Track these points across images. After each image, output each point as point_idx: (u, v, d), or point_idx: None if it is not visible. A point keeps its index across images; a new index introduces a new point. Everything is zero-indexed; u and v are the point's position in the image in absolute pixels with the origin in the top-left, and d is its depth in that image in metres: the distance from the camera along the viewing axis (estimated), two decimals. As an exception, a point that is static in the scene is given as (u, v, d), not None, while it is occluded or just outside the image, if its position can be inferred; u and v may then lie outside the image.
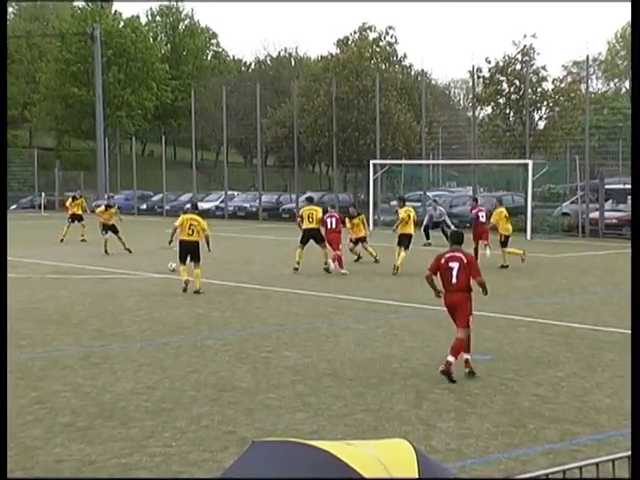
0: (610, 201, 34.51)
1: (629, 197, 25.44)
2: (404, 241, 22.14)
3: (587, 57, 41.20)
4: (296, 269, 21.43)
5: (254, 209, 47.24)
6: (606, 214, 33.46)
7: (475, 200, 26.99)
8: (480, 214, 24.45)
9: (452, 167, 52.35)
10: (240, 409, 9.08)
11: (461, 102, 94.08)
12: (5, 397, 8.45)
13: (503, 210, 23.83)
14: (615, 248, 27.70)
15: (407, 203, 24.43)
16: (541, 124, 39.07)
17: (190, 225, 18.20)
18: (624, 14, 66.56)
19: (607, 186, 34.90)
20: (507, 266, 22.64)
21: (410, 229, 22.44)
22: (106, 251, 26.52)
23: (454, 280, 10.59)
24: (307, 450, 2.99)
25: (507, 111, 38.69)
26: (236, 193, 51.91)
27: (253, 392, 9.78)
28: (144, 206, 53.03)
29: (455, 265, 10.62)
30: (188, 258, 18.23)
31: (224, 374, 10.66)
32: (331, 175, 57.23)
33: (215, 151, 78.06)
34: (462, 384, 10.10)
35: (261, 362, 11.32)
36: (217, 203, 50.40)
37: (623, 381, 9.82)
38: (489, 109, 40.54)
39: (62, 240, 30.19)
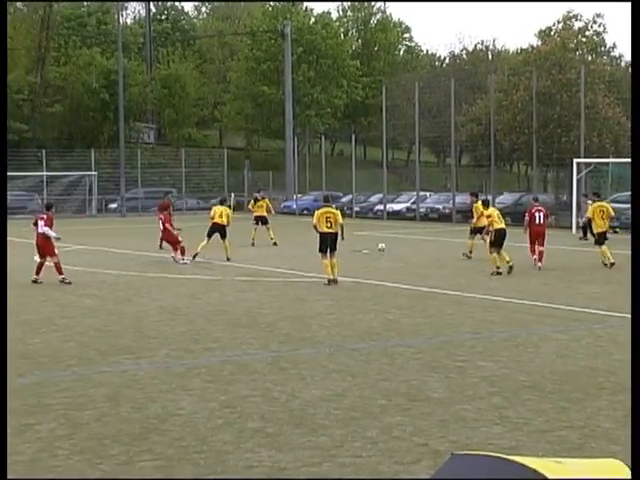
0: None
1: None
2: (599, 239, 23.73)
3: None
4: (499, 273, 21.71)
5: (447, 211, 47.00)
6: None
7: None
8: None
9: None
10: (433, 420, 9.04)
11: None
12: (5, 397, 8.77)
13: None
14: None
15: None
16: None
17: (327, 218, 20.15)
18: None
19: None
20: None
21: (600, 226, 23.78)
22: (253, 243, 30.91)
23: None
24: (511, 466, 2.92)
25: None
26: (428, 194, 51.80)
27: (446, 403, 9.72)
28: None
29: None
30: (328, 250, 20.04)
31: (415, 383, 10.65)
32: (530, 175, 56.12)
33: (406, 150, 78.27)
34: (677, 403, 9.65)
35: (455, 372, 11.23)
36: (408, 204, 50.47)
37: None
38: None
39: (253, 244, 31.13)
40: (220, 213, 25.92)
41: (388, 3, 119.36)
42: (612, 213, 24.58)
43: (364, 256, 27.34)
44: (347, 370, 11.35)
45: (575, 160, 38.24)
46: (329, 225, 20.14)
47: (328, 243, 20.12)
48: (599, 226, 23.93)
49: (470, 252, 25.79)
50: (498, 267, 21.80)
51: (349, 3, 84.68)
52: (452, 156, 51.03)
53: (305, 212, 54.74)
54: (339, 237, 20.35)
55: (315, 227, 20.32)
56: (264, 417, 9.19)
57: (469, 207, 47.05)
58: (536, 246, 23.29)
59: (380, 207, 51.01)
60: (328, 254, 20.15)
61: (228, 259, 25.17)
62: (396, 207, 50.46)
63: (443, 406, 9.58)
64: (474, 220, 26.15)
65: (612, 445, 8.19)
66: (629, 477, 3.05)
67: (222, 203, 27.00)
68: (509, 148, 48.10)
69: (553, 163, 46.84)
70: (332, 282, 19.96)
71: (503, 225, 22.45)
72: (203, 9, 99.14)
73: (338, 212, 20.82)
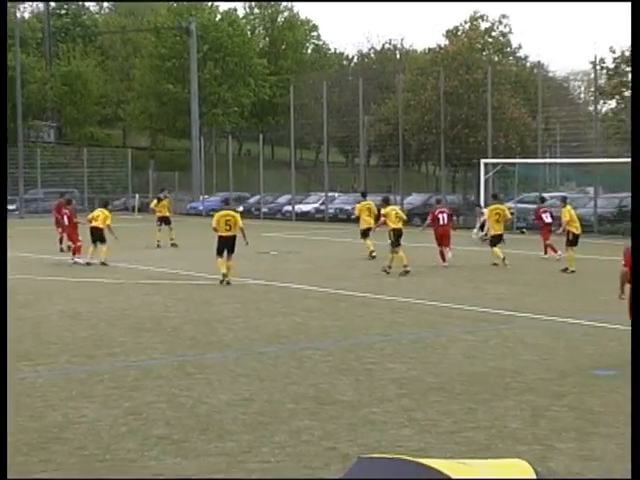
0: None
1: None
2: (493, 241, 24.65)
3: None
4: (407, 272, 22.13)
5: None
6: None
7: (542, 200, 29.31)
8: (544, 215, 26.78)
9: (571, 166, 51.42)
10: (342, 424, 9.09)
11: (582, 96, 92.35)
12: (5, 397, 8.66)
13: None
14: None
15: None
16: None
17: (226, 221, 20.54)
18: None
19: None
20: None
21: (496, 229, 24.67)
22: (158, 245, 30.78)
23: None
24: (417, 468, 2.96)
25: (633, 105, 37.79)
26: (337, 194, 52.04)
27: (355, 406, 9.78)
28: (240, 208, 53.49)
29: None
30: (225, 252, 20.51)
31: (324, 386, 10.69)
32: (438, 175, 56.90)
33: (315, 150, 78.53)
34: (583, 401, 9.91)
35: (364, 374, 11.31)
36: (317, 205, 50.63)
37: None
38: (613, 103, 39.79)
39: (158, 245, 30.86)
40: (96, 216, 25.56)
41: (295, 2, 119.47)
42: (508, 215, 25.85)
43: (272, 258, 27.35)
44: (255, 374, 11.34)
45: (482, 160, 38.91)
46: (228, 228, 20.51)
47: (226, 246, 20.50)
48: (494, 229, 24.78)
49: (372, 252, 26.13)
50: (406, 266, 22.09)
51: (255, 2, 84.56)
52: (361, 156, 51.41)
53: (212, 213, 54.50)
54: (241, 240, 20.59)
55: (215, 230, 20.65)
56: (169, 423, 9.12)
57: (379, 208, 47.67)
58: (443, 247, 24.15)
59: (288, 208, 51.07)
60: (225, 256, 20.54)
61: (103, 263, 24.68)
62: (305, 208, 50.57)
63: (352, 409, 9.64)
64: (354, 216, 27.74)
65: (518, 445, 8.36)
66: (534, 477, 3.11)
67: (105, 206, 26.59)
68: (417, 148, 48.67)
69: (461, 163, 47.60)
70: (225, 279, 20.32)
71: (400, 225, 22.91)
72: (105, 4, 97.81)
73: (238, 215, 21.19)
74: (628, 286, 11.52)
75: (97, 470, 7.73)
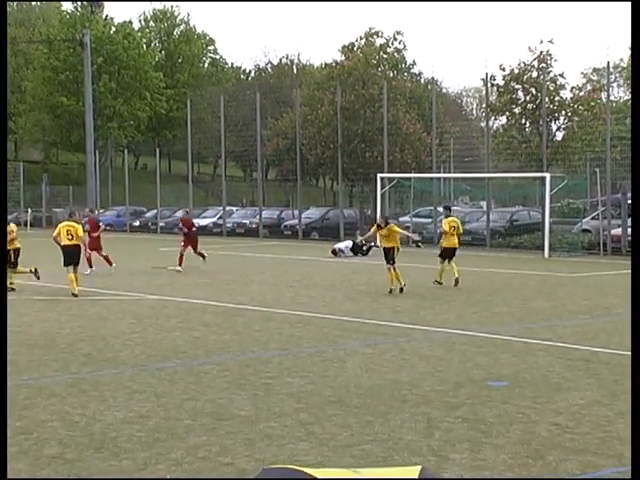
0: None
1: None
2: (448, 254, 22.95)
3: (608, 64, 41.28)
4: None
5: (254, 225, 47.31)
6: (629, 230, 33.50)
7: (187, 213, 32.25)
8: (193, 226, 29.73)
9: (464, 181, 52.48)
10: (239, 439, 9.06)
11: (474, 112, 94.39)
12: (5, 397, 8.47)
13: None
14: (639, 267, 27.65)
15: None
16: (559, 135, 39.21)
17: (67, 231, 21.42)
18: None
19: (630, 201, 34.96)
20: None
21: (454, 242, 23.15)
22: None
23: None
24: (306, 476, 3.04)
25: (523, 121, 38.80)
26: (235, 209, 51.99)
27: (253, 421, 9.76)
28: (137, 223, 53.13)
29: None
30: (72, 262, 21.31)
31: (222, 402, 10.64)
32: (336, 189, 57.37)
33: (212, 164, 78.32)
34: (476, 412, 10.09)
35: (262, 389, 11.30)
36: (215, 219, 50.45)
37: (648, 409, 9.78)
38: (504, 119, 40.71)
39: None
40: None
41: (192, 14, 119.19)
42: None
43: (169, 273, 27.11)
44: (151, 390, 11.21)
45: (379, 175, 39.35)
46: (70, 237, 21.32)
47: (70, 256, 21.28)
48: (451, 242, 23.24)
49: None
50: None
51: (151, 12, 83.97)
52: (259, 170, 51.42)
53: (108, 228, 53.72)
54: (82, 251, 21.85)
55: (55, 240, 21.52)
56: (62, 442, 8.94)
57: (276, 222, 47.84)
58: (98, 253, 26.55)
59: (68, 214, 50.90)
60: (72, 268, 21.25)
61: None
62: (202, 222, 50.30)
63: (249, 424, 9.62)
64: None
65: (414, 457, 8.46)
66: (416, 476, 3.21)
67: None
68: (315, 162, 48.93)
69: (358, 178, 48.05)
70: (74, 296, 20.90)
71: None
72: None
73: (79, 227, 21.94)
74: None
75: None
